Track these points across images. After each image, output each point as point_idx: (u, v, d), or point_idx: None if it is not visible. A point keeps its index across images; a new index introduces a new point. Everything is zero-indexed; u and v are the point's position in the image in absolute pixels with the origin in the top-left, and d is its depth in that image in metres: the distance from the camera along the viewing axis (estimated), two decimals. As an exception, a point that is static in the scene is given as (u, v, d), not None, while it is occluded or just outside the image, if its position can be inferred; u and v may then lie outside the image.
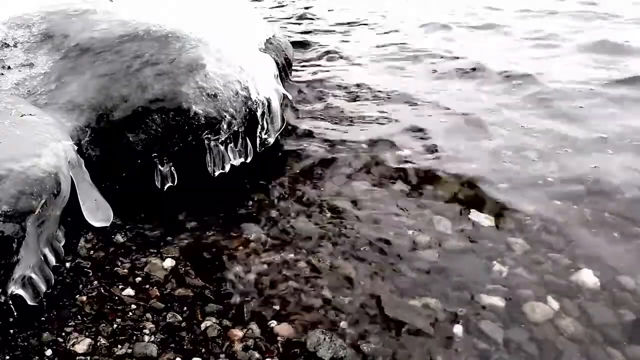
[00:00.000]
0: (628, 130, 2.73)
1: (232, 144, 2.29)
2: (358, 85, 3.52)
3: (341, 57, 4.16)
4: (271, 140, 2.53)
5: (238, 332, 1.59)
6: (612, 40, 4.17)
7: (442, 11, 5.68)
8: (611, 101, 3.10)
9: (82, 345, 1.49)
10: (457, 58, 4.01)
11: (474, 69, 3.75)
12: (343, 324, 1.64)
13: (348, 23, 5.39)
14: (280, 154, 2.66)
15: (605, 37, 4.25)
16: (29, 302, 1.54)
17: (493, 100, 3.22)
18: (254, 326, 1.62)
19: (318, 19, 5.62)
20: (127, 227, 2.04)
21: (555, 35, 4.53)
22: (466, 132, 2.83)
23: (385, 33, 4.96)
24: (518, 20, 5.17)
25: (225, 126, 2.20)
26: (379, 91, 3.43)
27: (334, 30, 5.10)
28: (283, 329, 1.61)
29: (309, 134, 2.83)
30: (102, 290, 1.71)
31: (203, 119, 2.14)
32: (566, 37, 4.47)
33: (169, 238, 2.00)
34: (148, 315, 1.63)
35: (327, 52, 4.29)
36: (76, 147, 1.90)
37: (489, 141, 2.70)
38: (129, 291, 1.72)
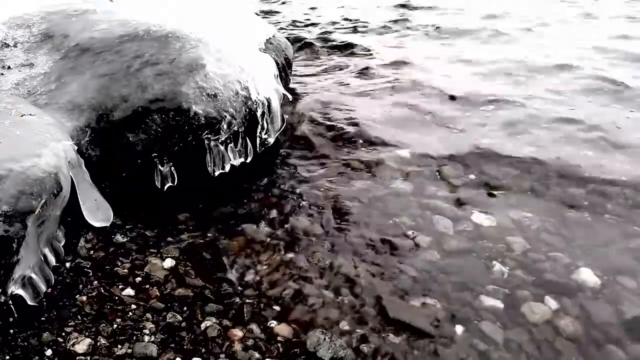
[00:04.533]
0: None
1: (232, 144, 2.29)
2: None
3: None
4: (271, 140, 2.52)
5: (238, 332, 1.59)
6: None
7: None
8: None
9: (82, 345, 1.49)
10: None
11: None
12: (343, 324, 1.64)
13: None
14: (280, 153, 2.66)
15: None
16: (29, 302, 1.54)
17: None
18: (254, 326, 1.62)
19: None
20: (127, 227, 2.04)
21: None
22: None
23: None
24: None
25: (225, 126, 2.20)
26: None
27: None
28: (283, 329, 1.61)
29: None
30: (102, 290, 1.71)
31: (203, 119, 2.14)
32: None
33: (169, 238, 2.00)
34: (148, 315, 1.63)
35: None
36: (76, 147, 1.90)
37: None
38: (129, 291, 1.72)
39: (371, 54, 4.35)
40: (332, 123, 2.96)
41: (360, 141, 2.77)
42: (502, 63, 3.99)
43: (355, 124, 2.93)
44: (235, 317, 1.65)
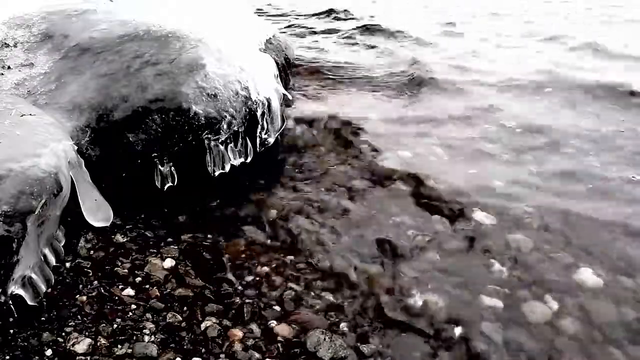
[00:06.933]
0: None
1: (232, 144, 2.29)
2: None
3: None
4: (271, 140, 2.53)
5: (238, 332, 1.59)
6: None
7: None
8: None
9: (82, 345, 1.49)
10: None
11: None
12: (343, 325, 1.64)
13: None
14: (280, 153, 2.66)
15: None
16: (29, 302, 1.53)
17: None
18: (254, 326, 1.62)
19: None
20: (127, 227, 2.04)
21: None
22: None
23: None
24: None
25: (225, 126, 2.20)
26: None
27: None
28: (283, 329, 1.61)
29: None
30: (102, 290, 1.71)
31: (203, 119, 2.14)
32: None
33: (169, 238, 2.00)
34: (148, 315, 1.63)
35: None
36: (76, 147, 1.90)
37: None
38: (129, 291, 1.72)
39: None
40: (334, 122, 2.96)
41: (362, 139, 2.77)
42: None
43: (358, 123, 2.93)
44: (235, 317, 1.65)
